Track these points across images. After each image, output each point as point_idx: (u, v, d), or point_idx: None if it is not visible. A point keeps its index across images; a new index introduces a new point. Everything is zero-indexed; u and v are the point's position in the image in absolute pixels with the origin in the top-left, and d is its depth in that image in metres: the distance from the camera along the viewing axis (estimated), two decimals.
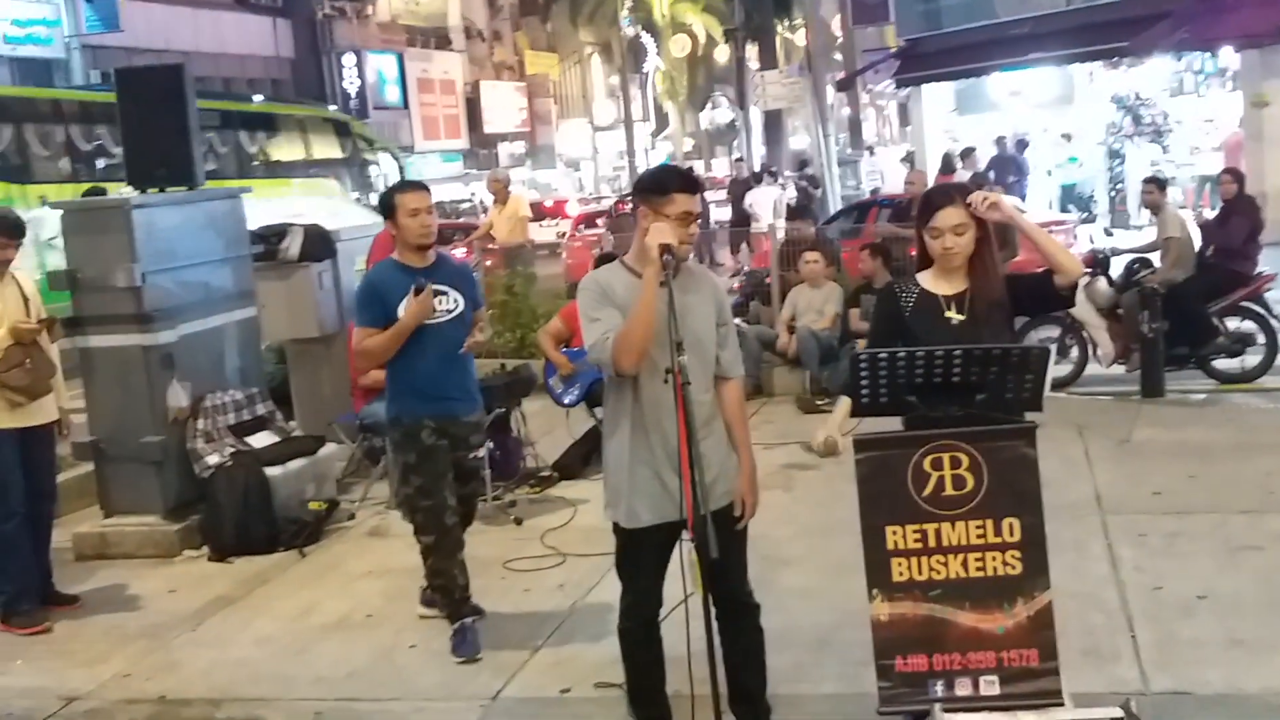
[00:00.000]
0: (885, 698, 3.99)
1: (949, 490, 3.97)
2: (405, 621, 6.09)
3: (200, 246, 7.82)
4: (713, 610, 3.98)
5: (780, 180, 24.86)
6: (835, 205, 21.22)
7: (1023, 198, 20.83)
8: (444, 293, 5.56)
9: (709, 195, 28.31)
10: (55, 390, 6.65)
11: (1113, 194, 23.44)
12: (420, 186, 5.76)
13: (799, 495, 7.79)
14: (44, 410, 6.53)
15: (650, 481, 4.20)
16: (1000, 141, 23.41)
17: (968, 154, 20.85)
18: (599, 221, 23.16)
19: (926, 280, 4.32)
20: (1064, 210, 21.85)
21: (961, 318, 4.21)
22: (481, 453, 6.02)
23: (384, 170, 26.79)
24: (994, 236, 4.29)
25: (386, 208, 5.60)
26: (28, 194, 15.62)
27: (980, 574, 3.97)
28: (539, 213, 30.56)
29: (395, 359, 5.54)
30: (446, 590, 5.63)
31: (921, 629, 3.97)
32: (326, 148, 24.54)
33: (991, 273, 4.25)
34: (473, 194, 26.74)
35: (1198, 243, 10.40)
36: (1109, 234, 12.84)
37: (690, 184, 4.26)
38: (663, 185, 4.20)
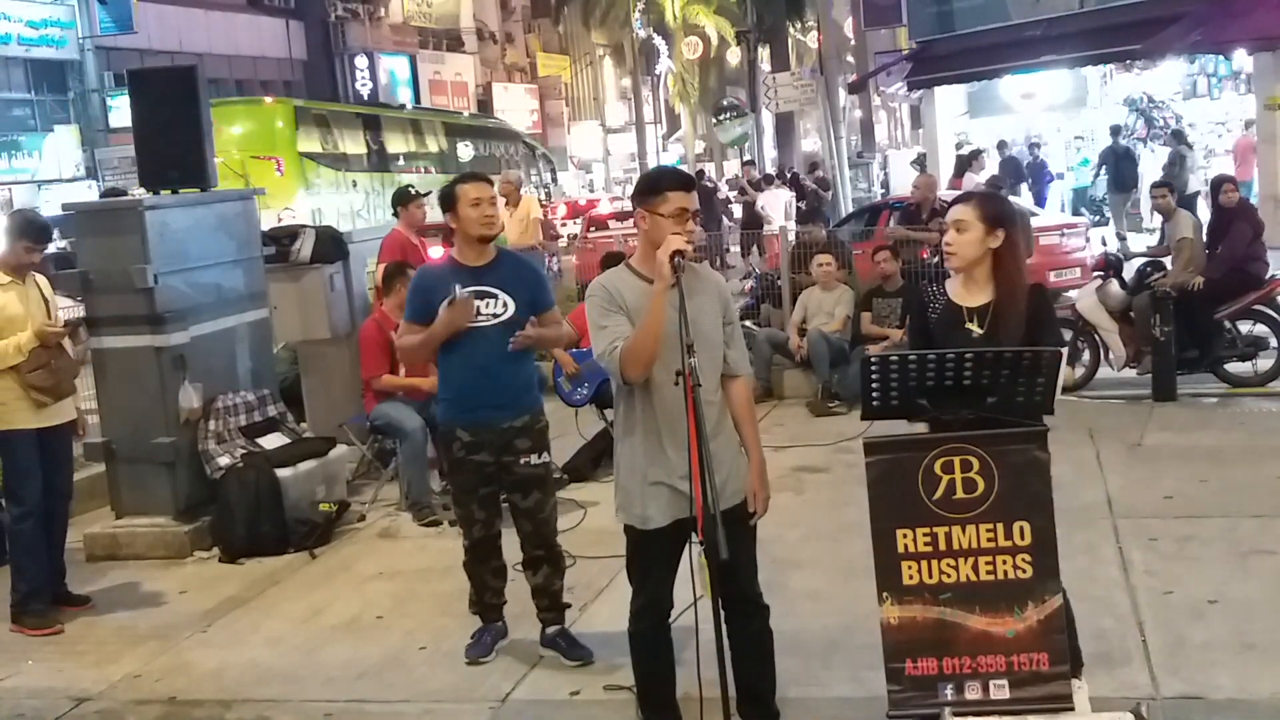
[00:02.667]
0: (895, 701, 3.99)
1: (960, 493, 3.97)
2: (415, 623, 6.10)
3: (212, 248, 7.84)
4: (722, 613, 3.97)
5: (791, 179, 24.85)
6: (846, 208, 21.19)
7: (1042, 203, 20.81)
8: (491, 295, 5.31)
9: (729, 194, 28.56)
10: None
11: None
12: (481, 178, 5.54)
13: (809, 498, 7.78)
14: (63, 410, 6.57)
15: (663, 484, 4.21)
16: (1002, 145, 23.37)
17: (975, 156, 20.84)
18: (610, 225, 23.12)
19: (953, 288, 4.28)
20: (1076, 213, 21.79)
21: (981, 331, 4.17)
22: (539, 459, 5.46)
23: (544, 169, 34.94)
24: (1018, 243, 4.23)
25: (447, 200, 5.34)
26: (345, 178, 21.83)
27: (990, 577, 3.96)
28: (573, 211, 31.01)
29: (440, 363, 5.49)
30: (477, 590, 5.64)
31: (931, 632, 3.97)
32: (510, 150, 31.03)
33: (1017, 284, 4.17)
34: None
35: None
36: (1121, 237, 12.80)
37: (683, 181, 4.27)
38: (655, 184, 4.23)
